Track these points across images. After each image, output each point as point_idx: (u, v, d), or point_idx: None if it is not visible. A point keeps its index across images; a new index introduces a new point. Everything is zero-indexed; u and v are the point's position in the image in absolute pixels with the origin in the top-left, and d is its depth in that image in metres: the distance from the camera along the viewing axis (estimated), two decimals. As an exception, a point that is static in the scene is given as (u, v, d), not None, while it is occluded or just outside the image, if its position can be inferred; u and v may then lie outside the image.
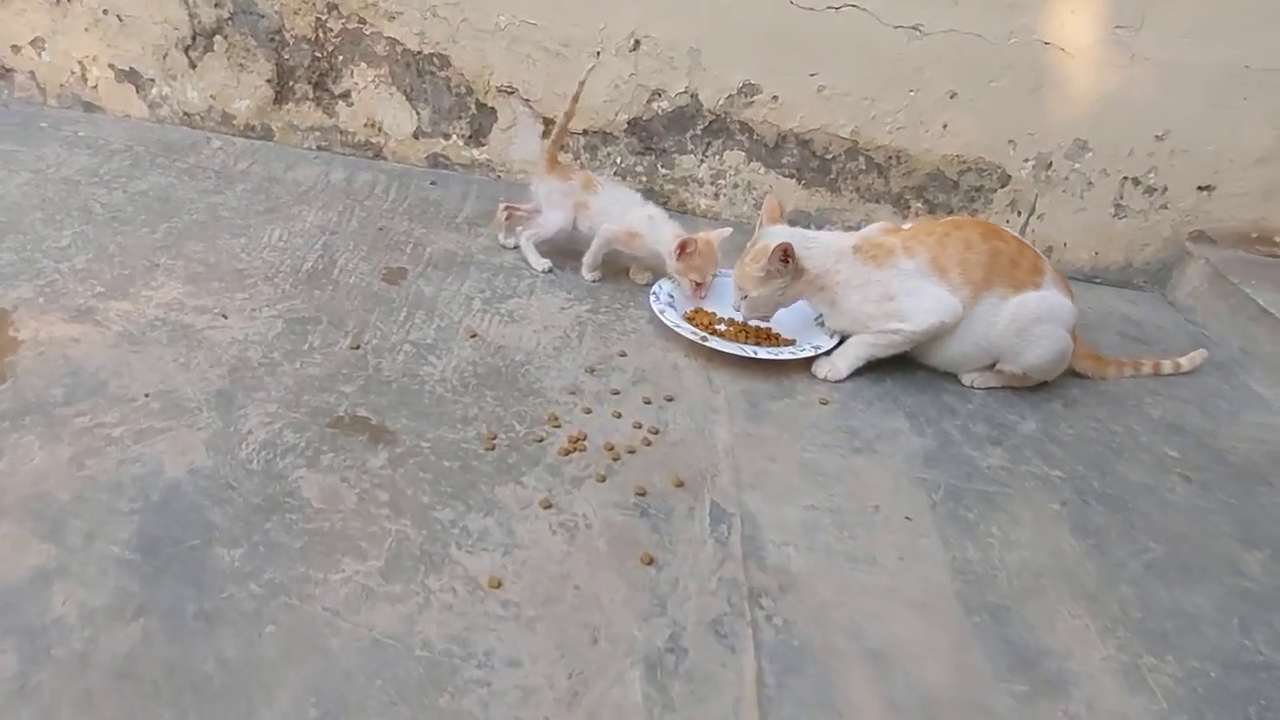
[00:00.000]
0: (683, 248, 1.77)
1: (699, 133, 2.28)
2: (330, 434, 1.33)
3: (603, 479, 1.33)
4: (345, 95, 2.35)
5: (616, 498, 1.30)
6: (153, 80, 2.39)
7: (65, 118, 2.39)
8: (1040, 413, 1.70)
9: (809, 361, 1.69)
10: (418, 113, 2.35)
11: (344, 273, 1.80)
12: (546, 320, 1.74)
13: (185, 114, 2.42)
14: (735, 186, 2.34)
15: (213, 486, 1.19)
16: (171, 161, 2.22)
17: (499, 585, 1.11)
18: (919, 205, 2.32)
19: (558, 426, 1.43)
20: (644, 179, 2.35)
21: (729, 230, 1.86)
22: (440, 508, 1.22)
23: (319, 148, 2.42)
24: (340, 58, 2.30)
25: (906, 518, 1.35)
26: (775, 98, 2.22)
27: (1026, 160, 2.25)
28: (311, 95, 2.36)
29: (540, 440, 1.39)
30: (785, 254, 1.59)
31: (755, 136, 2.28)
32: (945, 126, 2.22)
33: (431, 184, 2.31)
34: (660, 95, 2.25)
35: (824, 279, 1.65)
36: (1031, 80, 2.16)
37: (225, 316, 1.58)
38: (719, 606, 1.14)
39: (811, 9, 2.11)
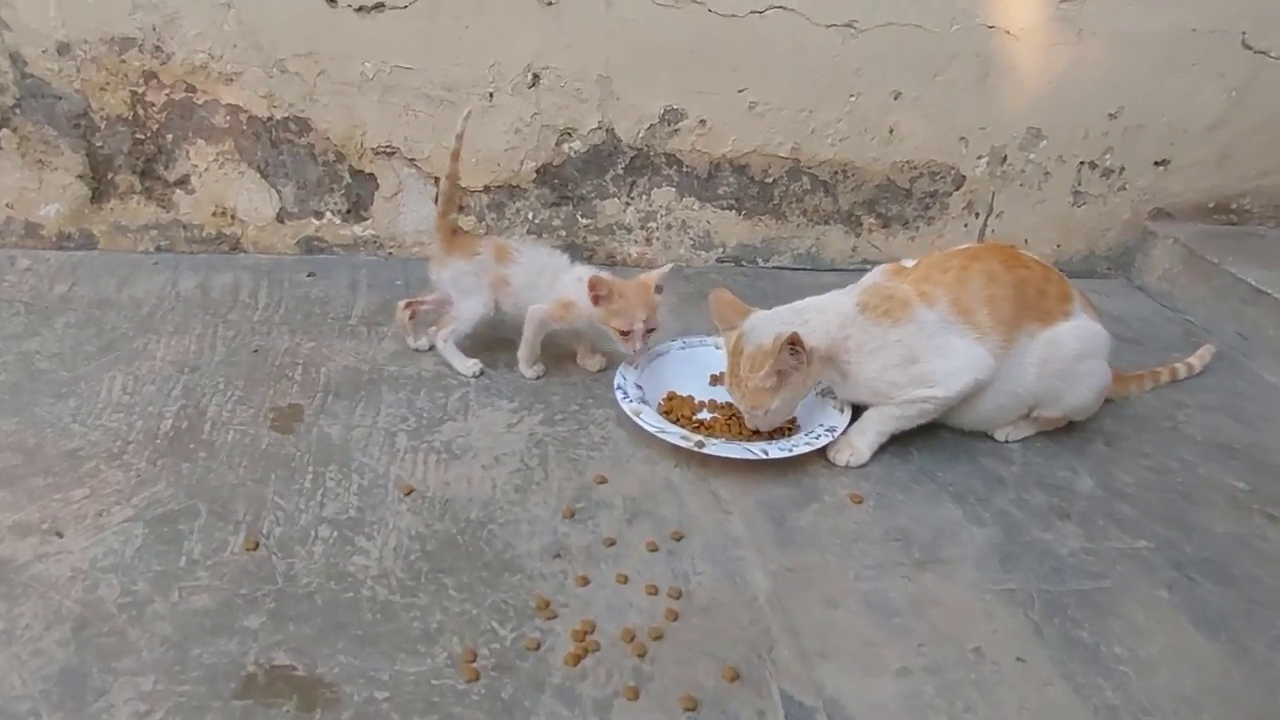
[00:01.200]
0: (593, 287, 1.44)
1: (620, 172, 1.95)
2: (241, 710, 0.93)
3: (635, 695, 0.98)
4: (183, 181, 1.89)
5: (661, 720, 0.96)
6: (-82, 195, 1.87)
7: None
8: (1089, 461, 1.47)
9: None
10: (278, 191, 1.92)
11: (218, 427, 1.38)
12: (495, 448, 1.38)
13: (-27, 231, 1.91)
14: (669, 228, 2.02)
15: None
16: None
17: None
18: (871, 220, 2.06)
19: (553, 617, 1.07)
20: (563, 233, 2.00)
21: (669, 267, 1.55)
22: (427, 804, 0.85)
23: (158, 248, 1.96)
24: (169, 136, 1.85)
25: (1018, 659, 1.07)
26: (703, 122, 1.91)
27: (980, 157, 2.03)
28: (139, 187, 1.89)
29: (536, 647, 1.03)
30: (794, 344, 1.27)
31: (685, 169, 1.96)
32: (892, 131, 1.96)
33: (309, 276, 1.89)
34: (570, 134, 1.90)
35: (832, 351, 1.35)
36: (978, 69, 1.93)
37: (59, 535, 1.15)
38: None
39: (733, 14, 1.81)
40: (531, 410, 1.48)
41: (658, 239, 2.03)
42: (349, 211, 1.96)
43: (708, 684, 1.00)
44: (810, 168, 1.98)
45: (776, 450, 1.34)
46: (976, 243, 2.03)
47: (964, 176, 2.04)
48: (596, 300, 1.45)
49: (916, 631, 1.10)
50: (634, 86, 1.86)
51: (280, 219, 1.95)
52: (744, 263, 2.08)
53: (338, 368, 1.56)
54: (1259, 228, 2.23)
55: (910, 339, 1.34)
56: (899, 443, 1.44)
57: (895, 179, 2.02)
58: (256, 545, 1.15)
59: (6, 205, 1.90)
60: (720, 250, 2.06)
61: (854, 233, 2.06)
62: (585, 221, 2.00)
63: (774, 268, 2.08)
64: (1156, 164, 2.10)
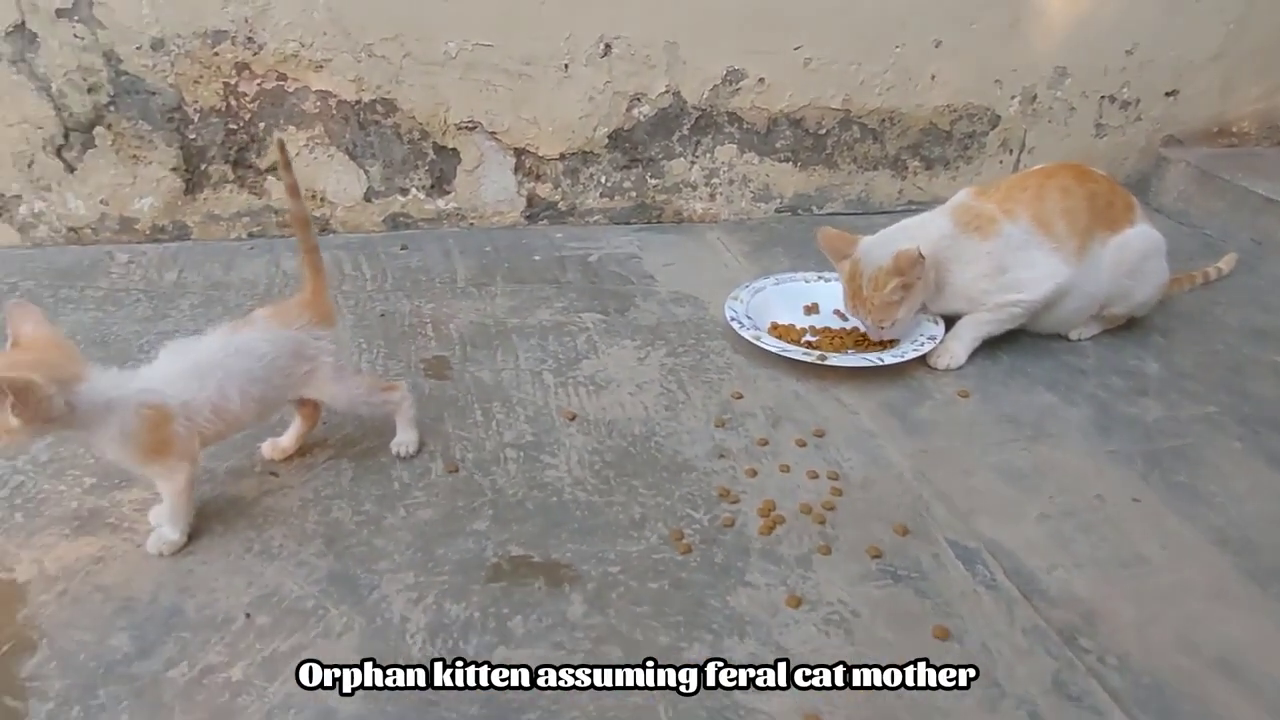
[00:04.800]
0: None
1: (686, 133, 2.09)
2: (498, 591, 1.07)
3: (827, 550, 1.13)
4: (274, 168, 1.99)
5: (857, 569, 1.11)
6: (19, 197, 1.94)
7: (-95, 266, 1.91)
8: (1151, 350, 1.65)
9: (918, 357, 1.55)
10: (365, 171, 2.03)
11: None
12: (634, 378, 1.51)
13: (70, 229, 1.99)
14: (730, 183, 2.17)
15: (407, 709, 0.92)
16: (79, 291, 1.81)
17: (818, 722, 0.91)
18: (916, 163, 2.22)
19: (736, 501, 1.22)
20: (633, 194, 2.13)
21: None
22: (686, 644, 1.00)
23: (250, 235, 2.05)
24: (261, 125, 1.95)
25: (1134, 499, 1.24)
26: (762, 80, 2.05)
27: (1013, 97, 2.20)
28: (232, 176, 1.99)
29: (731, 524, 1.18)
30: (920, 258, 1.43)
31: (745, 125, 2.11)
32: (933, 77, 2.13)
33: (403, 249, 2.01)
34: (640, 99, 2.03)
35: (931, 263, 1.51)
36: (1010, 15, 2.10)
37: (275, 474, 1.27)
38: (1045, 664, 0.98)
39: (788, -23, 1.96)
40: (654, 346, 1.62)
41: (720, 194, 2.18)
42: (433, 187, 2.07)
43: (884, 539, 1.16)
44: (860, 117, 2.14)
45: (890, 357, 1.49)
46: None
47: (998, 116, 2.20)
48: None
49: (1044, 488, 1.26)
50: (699, 51, 2.00)
51: (368, 198, 2.06)
52: (800, 211, 2.23)
53: (464, 323, 1.69)
54: (1256, 148, 2.43)
55: (998, 251, 1.50)
56: (988, 347, 1.60)
57: (937, 123, 2.18)
58: (456, 469, 1.27)
59: (101, 202, 1.98)
60: (778, 201, 2.21)
61: (900, 176, 2.22)
62: (654, 181, 2.13)
63: (828, 214, 2.23)
64: (1167, 94, 2.29)
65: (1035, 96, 2.20)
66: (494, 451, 1.31)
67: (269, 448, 1.29)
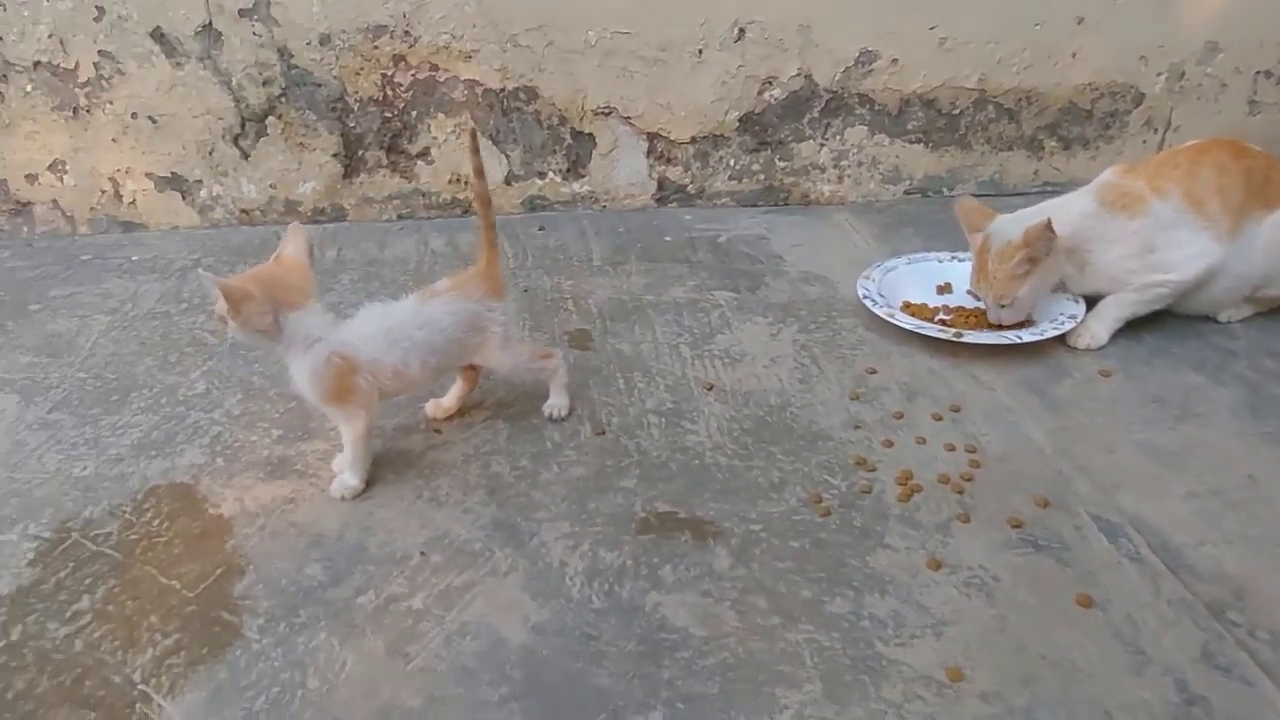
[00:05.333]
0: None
1: (816, 115, 2.11)
2: (648, 542, 1.14)
3: (966, 519, 1.16)
4: (424, 153, 2.13)
5: (997, 537, 1.13)
6: (200, 181, 2.14)
7: (106, 244, 2.12)
8: (1305, 332, 1.58)
9: (1054, 338, 1.53)
10: (506, 156, 2.14)
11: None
12: (767, 352, 1.56)
13: (243, 211, 2.18)
14: (859, 165, 2.18)
15: (570, 642, 1.00)
16: (252, 265, 1.98)
17: (960, 677, 0.94)
18: (1053, 143, 2.18)
19: (873, 470, 1.26)
20: (761, 177, 2.17)
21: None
22: (829, 599, 1.04)
23: (400, 217, 2.20)
24: (414, 113, 2.09)
25: (1291, 482, 1.21)
26: (895, 61, 2.05)
27: (1159, 74, 2.12)
28: (385, 161, 2.14)
29: (869, 490, 1.21)
30: (1048, 230, 1.43)
31: (876, 107, 2.11)
32: (1074, 55, 2.08)
33: (540, 230, 2.11)
34: (771, 83, 2.07)
35: (1074, 242, 1.50)
36: (1157, -11, 2.03)
37: (438, 431, 1.38)
38: (1193, 635, 0.99)
39: (925, -43, 1.96)
40: (786, 323, 1.66)
41: (849, 176, 2.19)
42: (569, 170, 2.17)
43: (1026, 510, 1.17)
44: (995, 96, 2.11)
45: (1029, 335, 1.49)
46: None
47: (1143, 94, 2.13)
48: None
49: (1192, 466, 1.25)
50: (832, 33, 2.02)
51: (508, 181, 2.17)
52: (930, 193, 2.22)
53: (602, 299, 1.77)
54: None
55: (1146, 231, 1.48)
56: (1130, 328, 1.57)
57: (1077, 101, 2.13)
58: (603, 431, 1.36)
59: (270, 186, 2.16)
60: (908, 183, 2.21)
61: (1036, 156, 2.18)
62: (782, 164, 2.17)
63: (959, 196, 2.21)
64: (1328, 69, 2.17)
65: (1183, 73, 2.12)
66: (637, 417, 1.39)
67: (432, 407, 1.40)
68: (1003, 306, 1.50)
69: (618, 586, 1.07)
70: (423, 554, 1.13)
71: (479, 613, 1.04)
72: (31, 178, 2.13)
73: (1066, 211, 1.50)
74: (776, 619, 1.02)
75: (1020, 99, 2.12)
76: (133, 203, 2.16)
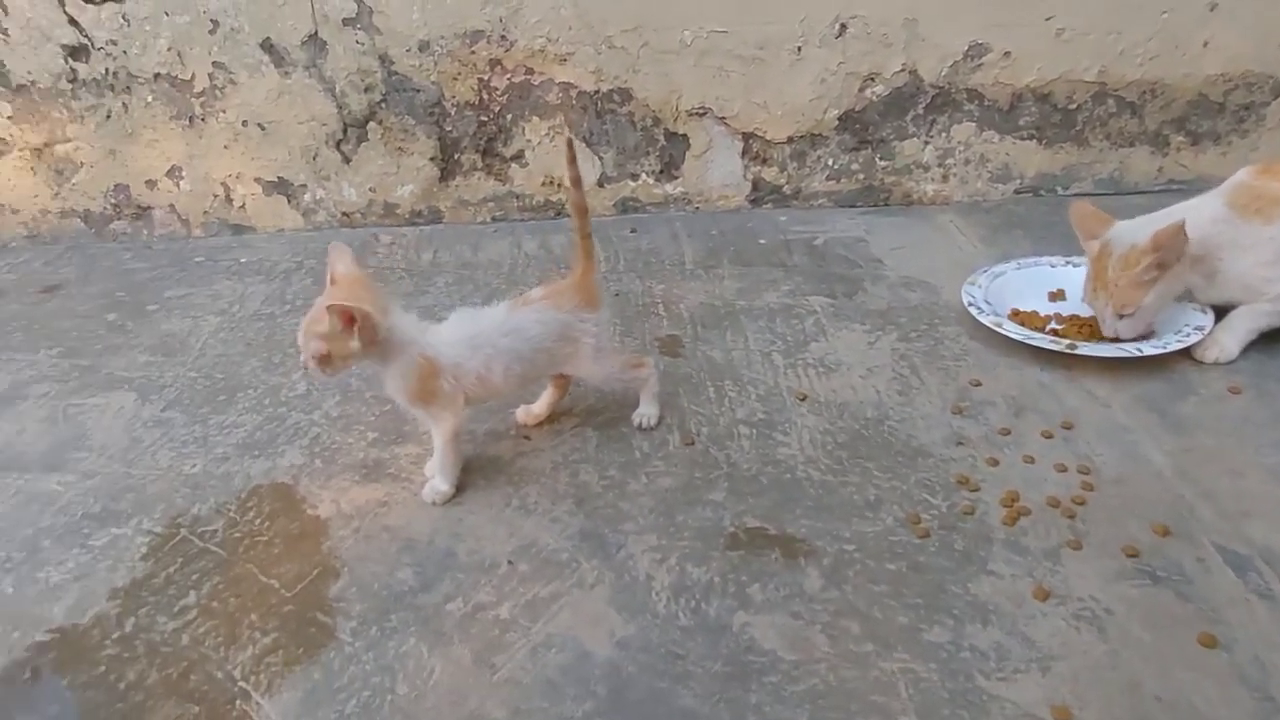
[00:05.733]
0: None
1: (920, 112, 2.03)
2: (737, 559, 1.11)
3: (1077, 546, 1.09)
4: (518, 156, 2.15)
5: (1111, 566, 1.06)
6: (304, 186, 2.22)
7: (217, 246, 2.22)
8: None
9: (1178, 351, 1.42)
10: (600, 158, 2.13)
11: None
12: (864, 362, 1.51)
13: (344, 214, 2.25)
14: (967, 163, 2.09)
15: (655, 659, 0.98)
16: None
17: (1068, 717, 0.88)
18: (1180, 139, 2.03)
19: (976, 490, 1.19)
20: (861, 177, 2.10)
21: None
22: (926, 626, 0.99)
23: (494, 219, 2.23)
24: (509, 116, 2.10)
25: None
26: (1007, 54, 1.95)
27: (1302, 62, 1.95)
28: (481, 164, 2.16)
29: (971, 511, 1.15)
30: (1181, 233, 1.32)
31: (986, 102, 2.02)
32: (1205, 44, 1.93)
33: (632, 232, 2.10)
34: (874, 80, 2.00)
35: (1204, 248, 1.39)
36: (1302, -30, 1.87)
37: (527, 438, 1.38)
38: (1336, 689, 0.90)
39: (1041, -56, 1.85)
40: (885, 331, 1.60)
41: (955, 175, 2.10)
42: (661, 171, 2.15)
43: (1143, 538, 1.09)
44: (1117, 90, 1.98)
45: (1150, 348, 1.39)
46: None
47: (1282, 85, 1.97)
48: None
49: (1341, 497, 1.14)
50: (939, 27, 1.93)
51: (600, 183, 2.17)
52: (1042, 192, 2.11)
53: (693, 304, 1.74)
54: None
55: (1285, 235, 1.36)
56: (1263, 340, 1.45)
57: (1208, 94, 1.98)
58: (693, 442, 1.33)
59: (370, 189, 2.22)
60: (1018, 181, 2.10)
61: (1161, 153, 2.04)
62: (883, 164, 2.09)
63: (1074, 195, 2.09)
64: None
65: (1331, 61, 1.95)
66: (727, 427, 1.36)
67: (522, 413, 1.41)
68: (1122, 317, 1.40)
69: (705, 604, 1.05)
70: (510, 563, 1.13)
71: (565, 625, 1.03)
72: (151, 183, 2.24)
73: (1195, 215, 1.39)
74: (870, 646, 0.97)
75: (1144, 92, 1.99)
76: (242, 206, 2.25)
